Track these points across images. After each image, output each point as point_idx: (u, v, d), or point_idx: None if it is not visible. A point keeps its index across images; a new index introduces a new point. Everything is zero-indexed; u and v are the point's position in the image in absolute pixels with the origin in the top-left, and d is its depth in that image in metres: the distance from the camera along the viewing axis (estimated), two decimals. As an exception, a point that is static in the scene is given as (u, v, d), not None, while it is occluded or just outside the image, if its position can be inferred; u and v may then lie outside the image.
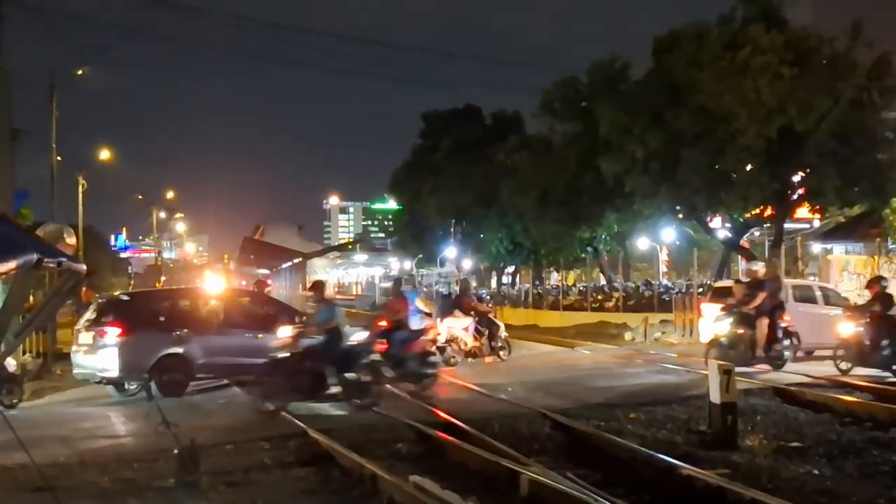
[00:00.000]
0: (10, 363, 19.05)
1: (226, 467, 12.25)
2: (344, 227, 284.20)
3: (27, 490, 11.36)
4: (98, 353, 20.83)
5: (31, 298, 11.88)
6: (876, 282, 22.94)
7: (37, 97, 44.28)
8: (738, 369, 14.83)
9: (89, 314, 22.41)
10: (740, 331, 21.96)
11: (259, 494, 10.94)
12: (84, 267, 5.57)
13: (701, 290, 39.22)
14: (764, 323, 22.10)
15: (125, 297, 25.05)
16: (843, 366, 21.47)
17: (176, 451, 11.66)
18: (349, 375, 17.46)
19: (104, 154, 60.29)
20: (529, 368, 24.91)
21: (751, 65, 38.08)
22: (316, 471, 12.14)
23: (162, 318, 21.86)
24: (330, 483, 11.55)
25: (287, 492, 11.14)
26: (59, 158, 45.63)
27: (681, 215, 47.75)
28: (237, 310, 23.10)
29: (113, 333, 20.86)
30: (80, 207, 55.60)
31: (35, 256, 4.74)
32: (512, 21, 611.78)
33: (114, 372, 20.64)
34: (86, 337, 21.61)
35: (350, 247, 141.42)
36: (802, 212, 46.95)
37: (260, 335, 21.13)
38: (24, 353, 22.21)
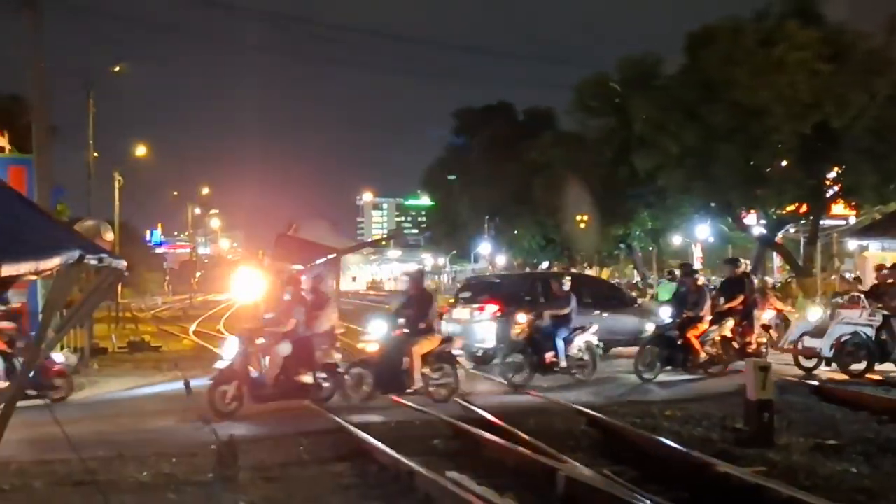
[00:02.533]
0: (59, 357, 19.63)
1: (263, 462, 12.30)
2: (377, 223, 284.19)
3: (67, 484, 11.44)
4: (475, 326, 23.35)
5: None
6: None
7: (74, 94, 44.62)
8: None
9: (464, 293, 26.10)
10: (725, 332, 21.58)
11: (296, 489, 10.98)
12: (124, 263, 5.62)
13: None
14: (742, 322, 21.82)
15: (497, 279, 28.69)
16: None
17: (214, 446, 11.73)
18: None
19: (140, 150, 60.63)
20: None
21: (787, 61, 37.95)
22: (352, 466, 12.17)
23: (527, 298, 23.62)
24: (366, 479, 11.58)
25: (324, 487, 11.17)
26: (95, 155, 45.94)
27: (715, 211, 47.60)
28: (587, 290, 24.86)
29: (490, 310, 23.53)
30: (117, 203, 55.97)
31: (77, 253, 4.78)
32: (543, 16, 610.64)
33: (490, 343, 22.84)
34: (462, 312, 24.35)
35: (383, 243, 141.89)
36: (838, 208, 46.74)
37: (605, 314, 23.70)
38: (62, 348, 22.32)
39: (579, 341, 20.24)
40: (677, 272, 25.65)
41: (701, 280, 22.97)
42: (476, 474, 10.81)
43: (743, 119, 39.53)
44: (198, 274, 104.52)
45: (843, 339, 20.82)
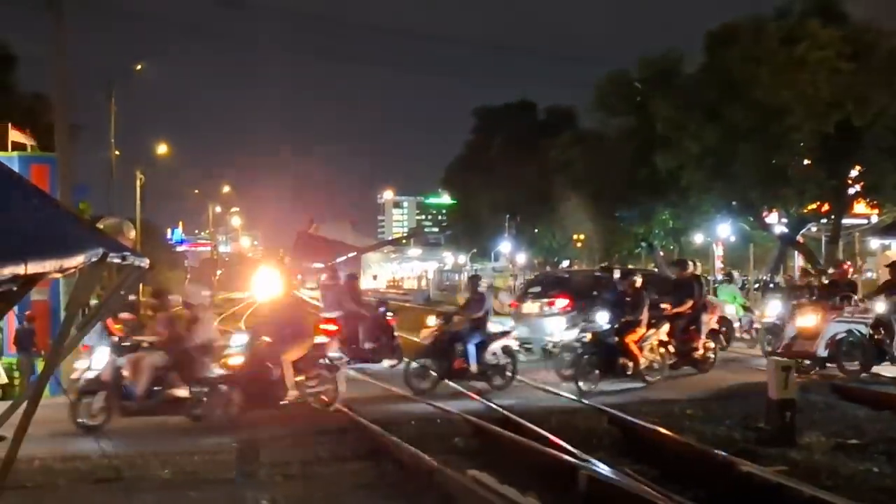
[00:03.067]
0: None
1: (284, 460, 12.33)
2: (398, 221, 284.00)
3: (89, 481, 11.51)
4: (545, 321, 23.82)
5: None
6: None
7: (97, 93, 44.85)
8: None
9: (533, 287, 26.91)
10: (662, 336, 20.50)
11: (317, 487, 11.02)
12: (147, 261, 5.62)
13: (757, 285, 38.93)
14: (689, 327, 21.06)
15: (566, 275, 30.00)
16: None
17: (235, 445, 11.78)
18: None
19: (161, 149, 60.81)
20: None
21: (808, 59, 37.81)
22: (373, 464, 12.20)
23: (594, 293, 23.36)
24: (386, 477, 11.60)
25: (344, 485, 11.22)
26: (117, 153, 46.15)
27: (736, 210, 47.48)
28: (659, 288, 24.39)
29: (560, 304, 24.22)
30: (138, 201, 56.14)
31: (101, 251, 4.78)
32: (563, 14, 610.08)
33: (557, 336, 22.06)
34: (531, 307, 25.07)
35: (404, 241, 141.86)
36: (860, 207, 46.52)
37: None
38: (83, 346, 22.39)
39: (495, 346, 19.23)
40: (735, 273, 25.31)
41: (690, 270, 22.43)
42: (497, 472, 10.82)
43: (764, 118, 39.39)
44: (218, 272, 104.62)
45: (838, 338, 19.97)
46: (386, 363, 22.80)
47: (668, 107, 42.97)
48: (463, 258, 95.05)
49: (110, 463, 12.00)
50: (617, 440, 13.61)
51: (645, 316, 19.56)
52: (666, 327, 20.11)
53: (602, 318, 19.35)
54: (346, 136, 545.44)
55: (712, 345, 21.70)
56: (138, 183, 55.96)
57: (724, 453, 11.51)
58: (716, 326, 22.81)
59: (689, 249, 65.66)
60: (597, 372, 18.69)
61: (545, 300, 25.13)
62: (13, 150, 25.14)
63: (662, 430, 13.31)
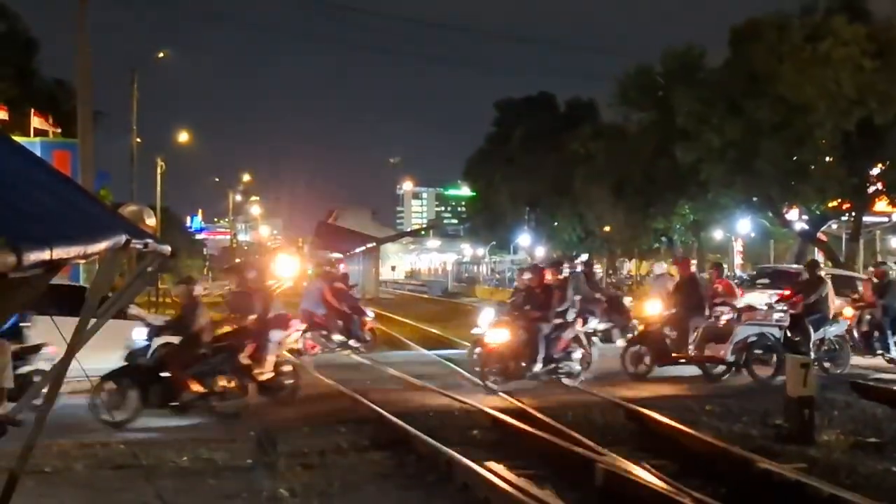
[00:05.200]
0: (370, 313, 23.48)
1: (302, 449, 12.34)
2: (417, 212, 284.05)
3: (108, 467, 11.54)
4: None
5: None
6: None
7: (119, 79, 45.02)
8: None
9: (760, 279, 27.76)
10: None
11: (335, 477, 11.02)
12: (168, 248, 5.63)
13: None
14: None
15: (793, 268, 30.43)
16: None
17: (253, 433, 11.79)
18: None
19: (182, 137, 60.96)
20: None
21: (832, 56, 37.64)
22: (391, 455, 12.21)
23: None
24: (405, 468, 11.61)
25: (363, 475, 11.21)
26: (138, 140, 46.27)
27: (756, 206, 47.34)
28: None
29: None
30: (159, 189, 56.31)
31: (124, 238, 4.79)
32: (587, 6, 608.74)
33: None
34: (759, 298, 24.66)
35: (423, 232, 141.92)
36: (881, 205, 46.31)
37: None
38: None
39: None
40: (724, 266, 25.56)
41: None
42: (515, 464, 10.82)
43: (787, 114, 39.24)
44: (237, 261, 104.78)
45: (750, 341, 19.22)
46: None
47: (691, 100, 42.86)
48: (482, 250, 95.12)
49: (129, 449, 12.05)
50: (634, 435, 13.58)
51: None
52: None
53: None
54: (367, 127, 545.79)
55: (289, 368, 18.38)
56: (159, 170, 56.13)
57: (742, 450, 11.49)
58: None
59: (709, 245, 65.68)
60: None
61: (774, 291, 25.48)
62: (35, 136, 25.30)
63: (681, 426, 13.27)
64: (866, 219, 46.66)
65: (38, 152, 18.91)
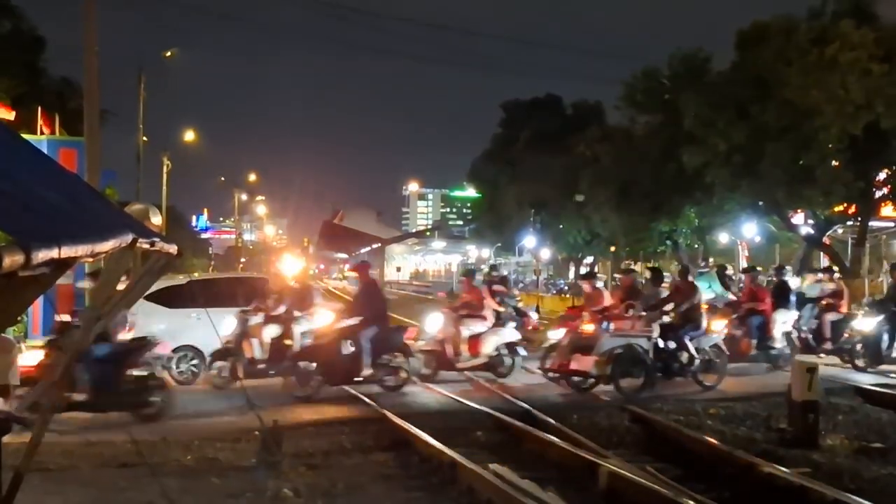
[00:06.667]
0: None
1: (307, 449, 12.37)
2: (422, 213, 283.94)
3: (113, 465, 11.57)
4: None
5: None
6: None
7: (125, 79, 45.06)
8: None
9: None
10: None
11: (339, 477, 11.02)
12: (175, 247, 5.63)
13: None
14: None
15: None
16: None
17: (258, 433, 11.80)
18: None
19: (189, 136, 60.89)
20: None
21: (839, 60, 37.62)
22: (395, 456, 12.21)
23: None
24: (409, 469, 11.61)
25: (367, 476, 11.21)
26: (144, 139, 46.22)
27: (762, 210, 47.30)
28: None
29: None
30: (164, 187, 56.28)
31: (131, 236, 4.79)
32: (594, 9, 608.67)
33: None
34: None
35: (428, 233, 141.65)
36: (887, 210, 46.28)
37: None
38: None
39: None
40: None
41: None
42: (519, 466, 10.82)
43: (793, 118, 39.23)
44: (242, 260, 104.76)
45: (616, 353, 17.89)
46: None
47: (698, 103, 42.87)
48: (487, 252, 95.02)
49: (134, 448, 12.07)
50: (639, 438, 13.57)
51: None
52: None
53: None
54: (373, 128, 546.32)
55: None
56: (165, 169, 56.11)
57: (746, 454, 11.47)
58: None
59: (714, 249, 65.58)
60: None
61: None
62: (41, 134, 25.31)
63: (684, 429, 13.27)
64: (872, 223, 46.58)
65: (44, 150, 18.97)
